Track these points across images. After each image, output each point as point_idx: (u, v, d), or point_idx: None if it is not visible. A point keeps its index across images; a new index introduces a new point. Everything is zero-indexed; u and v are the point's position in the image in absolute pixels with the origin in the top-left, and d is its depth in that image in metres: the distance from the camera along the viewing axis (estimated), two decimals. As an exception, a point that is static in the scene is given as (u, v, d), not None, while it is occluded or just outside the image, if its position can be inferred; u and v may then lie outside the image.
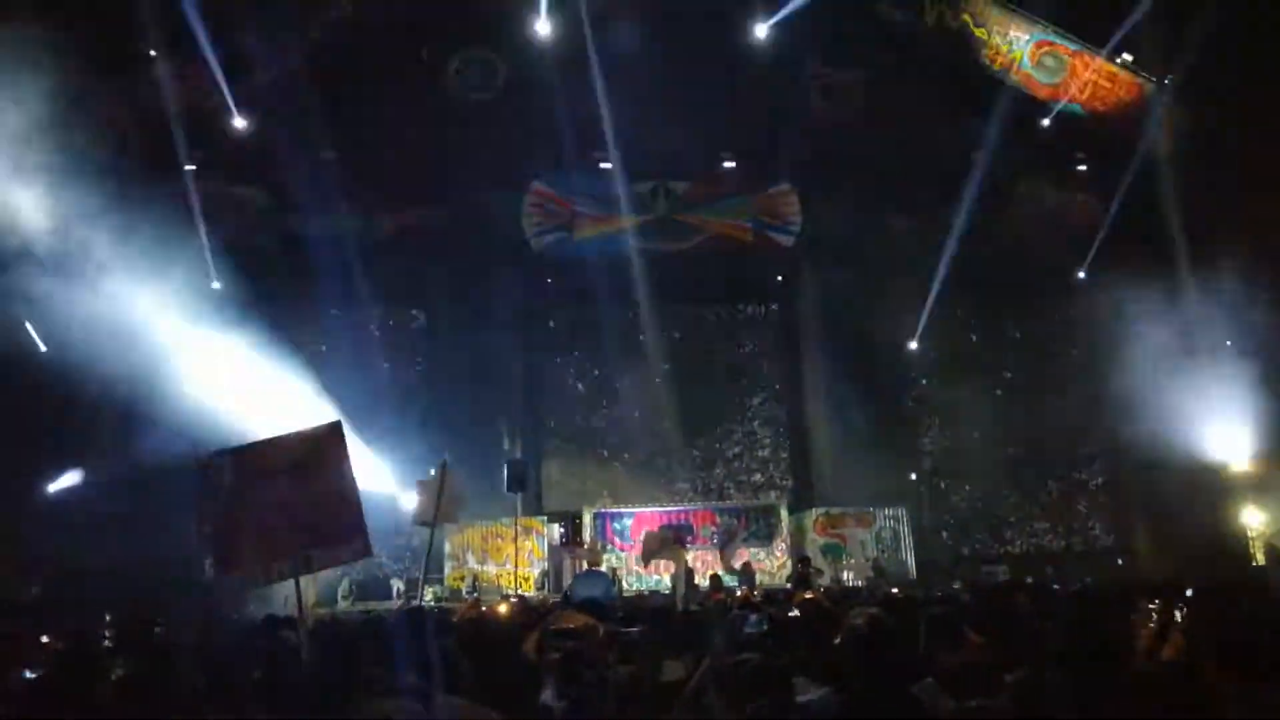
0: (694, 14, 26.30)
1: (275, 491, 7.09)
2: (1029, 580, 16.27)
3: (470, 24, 26.01)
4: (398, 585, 23.05)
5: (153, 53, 21.54)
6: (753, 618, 6.90)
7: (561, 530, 23.48)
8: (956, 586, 16.13)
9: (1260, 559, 23.51)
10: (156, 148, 21.64)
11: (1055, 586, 13.10)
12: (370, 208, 25.55)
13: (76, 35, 16.96)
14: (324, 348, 26.41)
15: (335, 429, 7.74)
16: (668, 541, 18.16)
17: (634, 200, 26.14)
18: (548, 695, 4.64)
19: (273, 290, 23.78)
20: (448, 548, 22.51)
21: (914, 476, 26.44)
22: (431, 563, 19.69)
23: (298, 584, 7.12)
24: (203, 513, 7.07)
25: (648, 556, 18.37)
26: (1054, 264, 28.45)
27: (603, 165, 26.67)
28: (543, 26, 24.35)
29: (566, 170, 26.77)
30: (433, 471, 15.02)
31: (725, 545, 22.39)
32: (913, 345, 27.07)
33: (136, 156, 20.58)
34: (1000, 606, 7.69)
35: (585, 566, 19.52)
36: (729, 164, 27.26)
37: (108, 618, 16.47)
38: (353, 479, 7.51)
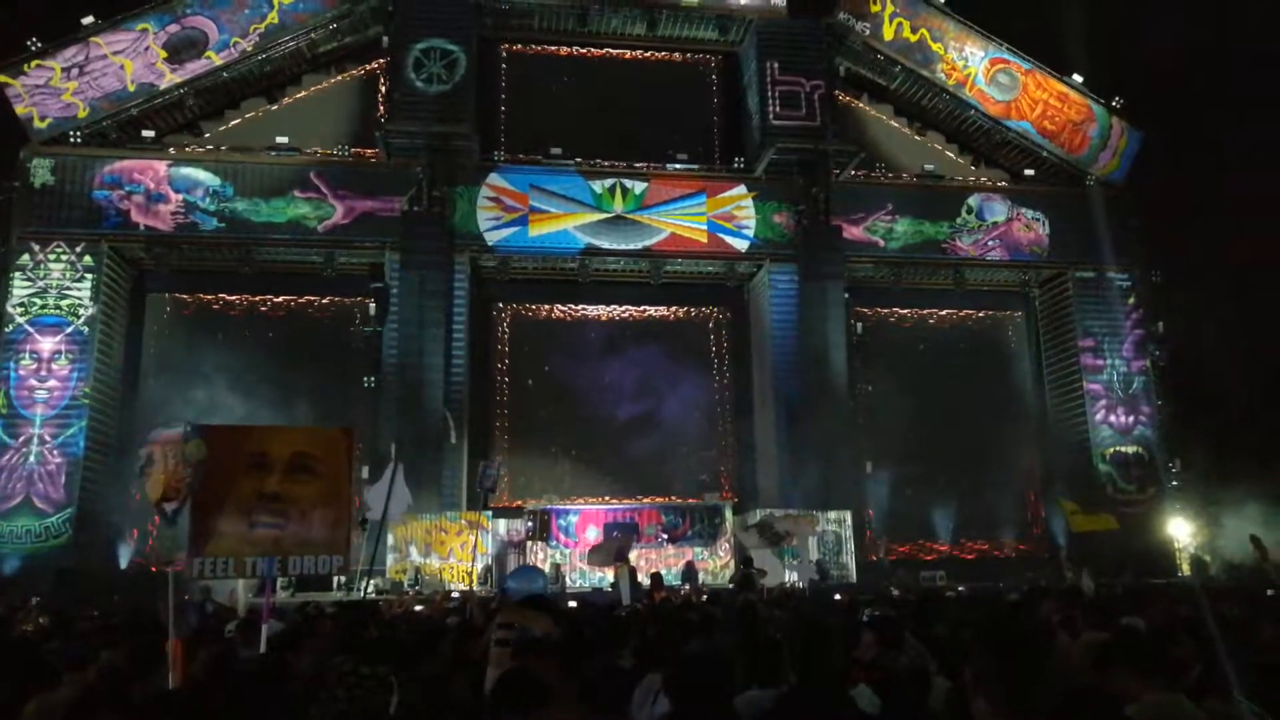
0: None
1: (269, 484, 6.77)
2: (960, 589, 16.65)
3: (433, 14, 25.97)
4: (338, 576, 22.73)
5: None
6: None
7: (529, 525, 23.34)
8: (895, 592, 16.37)
9: (1185, 570, 24.30)
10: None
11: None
12: (324, 194, 25.24)
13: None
14: (270, 334, 26.10)
15: (345, 436, 7.38)
16: (612, 553, 18.85)
17: (591, 198, 26.15)
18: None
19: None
20: (390, 540, 22.28)
21: (857, 481, 26.76)
22: (372, 556, 19.55)
23: (273, 580, 6.83)
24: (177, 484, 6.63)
25: (594, 562, 19.27)
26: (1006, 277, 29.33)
27: (560, 162, 26.72)
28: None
29: (523, 165, 26.76)
30: (388, 471, 14.96)
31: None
32: (860, 352, 27.53)
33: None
34: (935, 612, 7.87)
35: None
36: (685, 165, 27.49)
37: (35, 600, 16.07)
38: (349, 490, 7.16)
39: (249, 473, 6.72)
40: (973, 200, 28.35)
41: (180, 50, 25.33)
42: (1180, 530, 26.27)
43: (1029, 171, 29.69)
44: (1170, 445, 27.70)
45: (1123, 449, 27.36)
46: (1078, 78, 29.43)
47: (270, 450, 6.89)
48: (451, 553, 22.15)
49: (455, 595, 16.59)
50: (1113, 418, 27.50)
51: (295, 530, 6.76)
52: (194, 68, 25.48)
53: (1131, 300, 28.25)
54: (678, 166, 27.51)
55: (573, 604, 12.01)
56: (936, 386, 28.19)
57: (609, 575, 21.01)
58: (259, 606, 7.97)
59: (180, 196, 24.70)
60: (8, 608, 15.51)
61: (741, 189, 27.06)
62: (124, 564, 23.52)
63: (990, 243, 28.13)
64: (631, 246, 26.26)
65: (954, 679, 4.71)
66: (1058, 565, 24.43)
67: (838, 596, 16.12)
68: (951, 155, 30.17)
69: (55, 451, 22.93)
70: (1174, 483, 27.32)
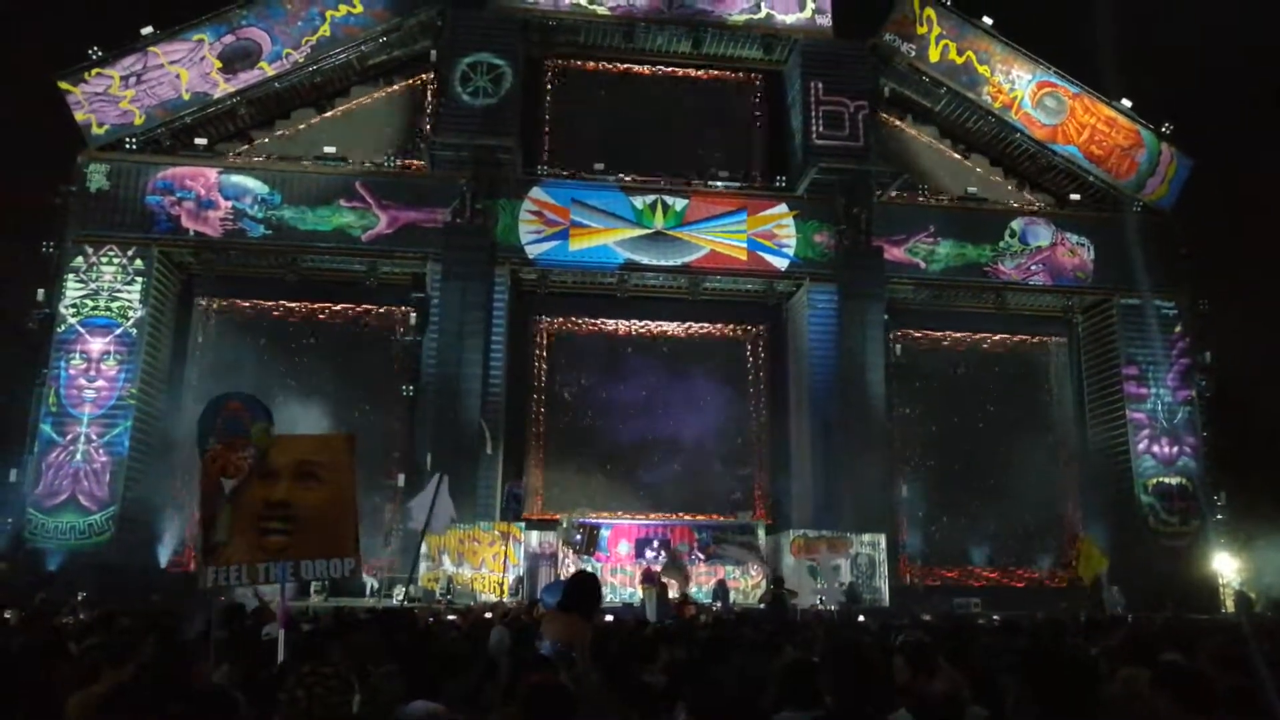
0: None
1: (275, 491, 6.81)
2: (995, 617, 16.38)
3: (481, 29, 26.35)
4: (371, 583, 22.94)
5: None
6: None
7: (578, 539, 23.39)
8: (926, 618, 16.15)
9: (1230, 607, 23.68)
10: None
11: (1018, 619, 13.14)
12: (369, 204, 25.59)
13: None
14: (311, 341, 26.43)
15: (348, 442, 7.45)
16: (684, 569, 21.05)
17: (632, 213, 26.25)
18: None
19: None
20: (424, 549, 22.41)
21: (892, 503, 26.48)
22: (408, 565, 19.74)
23: (283, 584, 6.96)
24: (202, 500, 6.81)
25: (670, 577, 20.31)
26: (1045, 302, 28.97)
27: (602, 177, 26.85)
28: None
29: (565, 180, 26.94)
30: (432, 483, 15.21)
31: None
32: (898, 374, 27.29)
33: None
34: (969, 640, 7.75)
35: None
36: (727, 183, 27.50)
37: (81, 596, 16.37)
38: (355, 495, 7.30)
39: (255, 482, 6.82)
40: (1016, 224, 28.05)
41: (234, 60, 25.87)
42: (1224, 565, 25.64)
43: (1074, 196, 29.31)
44: (1215, 478, 27.09)
45: (1166, 480, 26.77)
46: (1126, 102, 29.05)
47: (275, 459, 6.95)
48: (484, 563, 22.24)
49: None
50: (1156, 448, 26.95)
51: (305, 536, 6.85)
52: (247, 78, 26.02)
53: (1178, 329, 27.73)
54: (719, 184, 27.54)
55: (609, 618, 12.05)
56: (975, 411, 27.88)
57: (639, 591, 21.00)
58: (290, 610, 8.03)
59: (229, 203, 25.17)
60: (46, 602, 15.83)
61: (783, 208, 27.02)
62: (163, 563, 23.90)
63: (1033, 267, 27.80)
64: (671, 263, 26.31)
65: (989, 706, 4.64)
66: (1099, 594, 23.91)
67: (861, 618, 15.98)
68: (995, 178, 29.89)
69: (101, 450, 23.38)
70: (1218, 516, 26.70)
